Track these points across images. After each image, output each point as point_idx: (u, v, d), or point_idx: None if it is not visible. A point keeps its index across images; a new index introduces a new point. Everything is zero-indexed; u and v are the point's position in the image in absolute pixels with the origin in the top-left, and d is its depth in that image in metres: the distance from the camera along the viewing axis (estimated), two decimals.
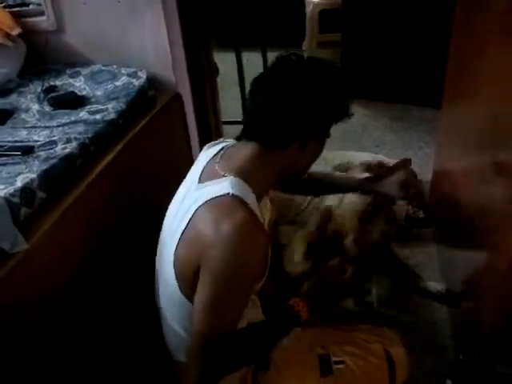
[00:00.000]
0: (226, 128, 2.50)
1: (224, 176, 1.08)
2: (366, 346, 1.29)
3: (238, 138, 1.21)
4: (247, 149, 1.12)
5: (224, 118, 2.50)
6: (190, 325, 1.09)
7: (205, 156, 1.23)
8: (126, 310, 1.55)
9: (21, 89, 1.94)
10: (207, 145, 1.30)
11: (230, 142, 1.27)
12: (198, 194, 1.09)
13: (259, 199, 1.13)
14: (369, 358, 1.27)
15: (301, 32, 3.88)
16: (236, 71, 2.79)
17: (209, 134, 2.30)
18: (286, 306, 1.16)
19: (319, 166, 2.27)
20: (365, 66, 3.42)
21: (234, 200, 1.02)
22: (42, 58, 2.07)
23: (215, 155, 1.20)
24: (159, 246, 1.24)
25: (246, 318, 1.20)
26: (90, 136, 1.57)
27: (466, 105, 1.80)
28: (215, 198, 1.04)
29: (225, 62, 3.16)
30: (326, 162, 2.30)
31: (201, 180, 1.14)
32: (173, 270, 1.10)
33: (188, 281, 1.08)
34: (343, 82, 1.12)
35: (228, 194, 1.02)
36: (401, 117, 3.31)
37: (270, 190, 1.27)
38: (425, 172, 2.42)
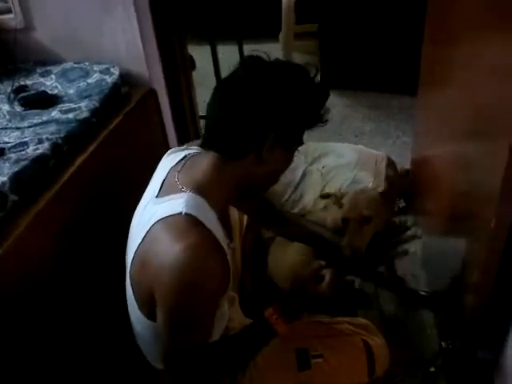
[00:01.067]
0: (203, 123, 2.47)
1: (182, 190, 1.04)
2: (344, 338, 1.30)
3: (201, 145, 1.17)
4: (207, 159, 1.07)
5: (202, 113, 2.47)
6: (156, 341, 1.07)
7: (166, 163, 1.18)
8: (105, 311, 1.53)
9: None
10: (170, 150, 1.26)
11: (195, 149, 1.23)
12: (154, 210, 1.04)
13: (221, 213, 1.09)
14: (347, 350, 1.28)
15: (277, 23, 3.85)
16: (212, 65, 2.76)
17: (185, 129, 2.28)
18: (261, 319, 1.14)
19: (300, 160, 2.28)
20: (342, 56, 3.42)
21: (188, 220, 0.98)
22: (12, 57, 2.02)
23: (177, 164, 1.15)
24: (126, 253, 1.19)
25: (224, 317, 1.20)
26: (62, 136, 1.53)
27: (440, 92, 1.80)
28: (169, 216, 0.99)
29: (202, 55, 3.12)
30: (306, 155, 2.29)
31: (160, 193, 1.09)
32: (131, 289, 1.08)
33: (144, 302, 1.05)
34: (306, 87, 1.05)
35: (181, 213, 0.98)
36: (379, 106, 3.32)
37: (232, 201, 1.22)
38: (403, 161, 2.43)
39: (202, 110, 2.45)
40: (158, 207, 1.04)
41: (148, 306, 1.05)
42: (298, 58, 3.94)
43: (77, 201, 1.50)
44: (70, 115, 1.65)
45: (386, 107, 3.29)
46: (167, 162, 1.19)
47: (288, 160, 1.14)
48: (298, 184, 2.19)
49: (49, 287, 1.34)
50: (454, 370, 1.54)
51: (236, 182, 1.09)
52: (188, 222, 0.98)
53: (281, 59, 1.09)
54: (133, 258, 1.05)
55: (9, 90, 1.84)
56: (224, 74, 2.92)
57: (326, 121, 1.10)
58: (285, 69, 1.06)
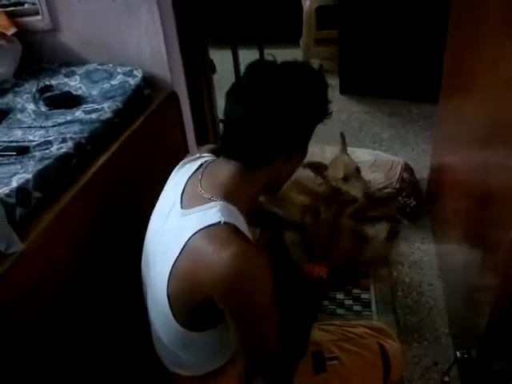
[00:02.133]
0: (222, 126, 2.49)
1: (211, 199, 1.03)
2: (360, 342, 1.29)
3: (217, 153, 1.17)
4: (230, 167, 1.06)
5: (221, 116, 2.49)
6: (184, 348, 1.11)
7: (182, 173, 1.18)
8: (125, 309, 1.55)
9: (16, 89, 1.93)
10: (182, 161, 1.24)
11: (208, 157, 1.23)
12: (186, 221, 1.03)
13: (245, 216, 1.09)
14: (363, 354, 1.27)
15: (298, 29, 3.87)
16: (233, 69, 2.79)
17: (205, 132, 2.30)
18: (303, 277, 1.15)
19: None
20: (363, 63, 3.42)
21: (228, 228, 0.98)
22: (38, 57, 2.07)
23: (194, 173, 1.14)
24: (145, 260, 1.20)
25: None
26: (85, 135, 1.56)
27: (463, 100, 1.79)
28: (208, 226, 0.98)
29: (222, 59, 3.15)
30: (324, 157, 2.29)
31: (184, 203, 1.08)
32: (166, 299, 1.06)
33: (187, 311, 1.06)
34: (320, 82, 1.07)
35: (219, 222, 0.98)
36: (398, 113, 3.31)
37: (256, 203, 1.23)
38: (422, 168, 2.42)
39: (221, 113, 2.47)
40: (191, 217, 1.03)
41: (187, 315, 1.06)
42: (317, 63, 3.94)
43: (98, 199, 1.52)
44: (94, 115, 1.68)
45: (406, 114, 3.28)
46: (183, 171, 1.18)
47: (306, 154, 1.15)
48: None
49: (70, 284, 1.36)
50: (469, 380, 1.52)
51: (263, 186, 1.10)
52: (229, 231, 0.98)
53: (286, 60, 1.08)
54: (170, 273, 1.03)
55: (34, 89, 1.88)
56: None
57: (331, 112, 1.11)
58: (296, 69, 1.06)
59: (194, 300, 1.02)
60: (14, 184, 1.28)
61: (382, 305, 1.81)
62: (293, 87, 1.02)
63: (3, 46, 1.94)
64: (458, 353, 1.55)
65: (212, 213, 1.00)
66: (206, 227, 0.98)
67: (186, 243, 0.99)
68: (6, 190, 1.25)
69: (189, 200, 1.08)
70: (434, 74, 2.68)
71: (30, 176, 1.33)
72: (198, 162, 1.18)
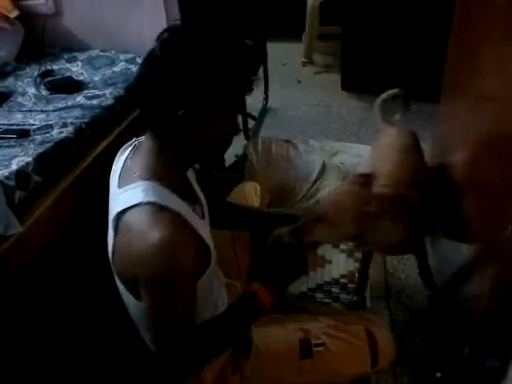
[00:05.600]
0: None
1: (138, 178, 1.05)
2: (347, 329, 1.30)
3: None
4: (149, 141, 1.08)
5: None
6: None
7: (121, 159, 1.17)
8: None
9: (18, 72, 1.94)
10: (122, 147, 1.23)
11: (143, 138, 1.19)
12: (118, 200, 1.06)
13: (180, 190, 1.09)
14: (350, 340, 1.28)
15: (301, 24, 3.86)
16: None
17: None
18: (247, 293, 1.14)
19: (316, 155, 2.28)
20: (365, 59, 3.41)
21: (152, 209, 0.99)
22: (40, 41, 2.06)
23: (129, 153, 1.15)
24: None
25: (212, 298, 1.23)
26: (86, 121, 1.56)
27: (464, 98, 1.79)
28: (132, 207, 1.00)
29: None
30: (323, 150, 2.30)
31: (120, 183, 1.10)
32: (117, 276, 1.11)
33: (130, 285, 1.07)
34: (235, 51, 1.02)
35: (141, 202, 1.00)
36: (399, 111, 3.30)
37: (184, 173, 1.20)
38: None
39: None
40: (120, 198, 1.05)
41: (134, 288, 1.06)
42: (320, 59, 3.94)
43: (97, 185, 1.52)
44: (95, 101, 1.68)
45: (406, 113, 3.27)
46: (122, 157, 1.18)
47: (232, 123, 1.09)
48: (316, 181, 2.20)
49: (67, 266, 1.36)
50: (460, 376, 1.53)
51: (186, 156, 1.09)
52: (152, 212, 0.99)
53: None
54: (113, 248, 1.07)
55: (35, 73, 1.87)
56: None
57: (252, 89, 1.07)
58: (208, 36, 1.02)
59: (128, 274, 1.04)
60: (14, 167, 1.29)
61: (377, 300, 1.82)
62: (195, 51, 0.99)
63: (5, 28, 1.93)
64: (450, 349, 1.57)
65: (136, 193, 1.02)
66: (130, 207, 1.00)
67: (116, 222, 1.03)
68: (5, 172, 1.25)
69: (123, 179, 1.10)
70: (435, 73, 2.68)
71: (30, 159, 1.33)
72: (134, 143, 1.19)
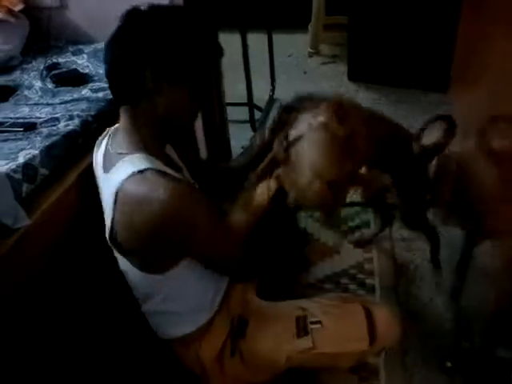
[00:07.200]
0: (230, 109, 2.49)
1: (124, 154, 1.11)
2: (343, 306, 1.32)
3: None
4: (123, 117, 1.16)
5: (228, 100, 2.48)
6: (163, 300, 1.23)
7: (100, 150, 1.24)
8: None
9: (24, 66, 1.93)
10: (97, 141, 1.30)
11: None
12: (111, 180, 1.10)
13: (164, 159, 1.17)
14: (346, 317, 1.29)
15: (307, 14, 3.83)
16: (241, 53, 2.76)
17: (212, 115, 2.28)
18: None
19: None
20: (371, 49, 3.39)
21: (152, 172, 1.05)
22: (45, 35, 2.05)
23: (108, 140, 1.22)
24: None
25: None
26: (92, 113, 1.56)
27: (473, 89, 1.78)
28: (130, 176, 1.05)
29: (229, 43, 3.12)
30: None
31: (106, 168, 1.16)
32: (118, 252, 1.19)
33: (133, 257, 1.16)
34: (184, 20, 1.12)
35: (140, 170, 1.04)
36: (406, 101, 3.27)
37: (164, 143, 1.26)
38: None
39: (227, 97, 2.46)
40: (113, 177, 1.09)
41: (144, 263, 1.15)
42: (326, 49, 3.92)
43: None
44: (100, 94, 1.68)
45: (414, 103, 3.24)
46: (99, 146, 1.26)
47: (186, 94, 1.15)
48: None
49: (74, 260, 1.36)
50: (471, 366, 1.53)
51: (152, 124, 1.14)
52: (153, 174, 1.05)
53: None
54: (112, 224, 1.10)
55: (41, 67, 1.87)
56: (252, 61, 2.89)
57: (221, 54, 1.22)
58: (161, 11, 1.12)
59: (141, 247, 1.11)
60: (21, 160, 1.28)
61: (386, 290, 1.81)
62: (146, 22, 1.09)
63: (11, 22, 1.93)
64: (461, 339, 1.56)
65: (125, 166, 1.07)
66: (128, 177, 1.04)
67: (115, 198, 1.06)
68: (12, 165, 1.25)
69: (108, 164, 1.15)
70: (443, 63, 2.67)
71: (36, 152, 1.32)
72: (108, 134, 1.26)
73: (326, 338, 1.25)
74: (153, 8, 1.11)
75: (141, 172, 1.04)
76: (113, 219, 1.09)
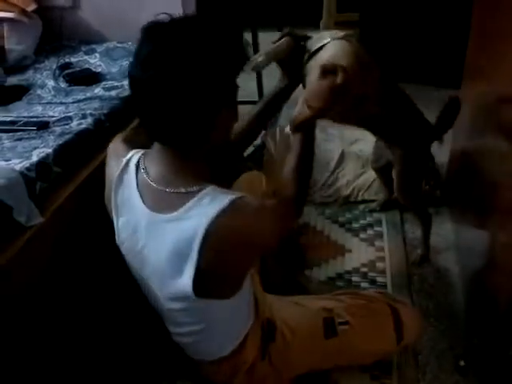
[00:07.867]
0: (240, 108, 2.48)
1: (192, 191, 1.00)
2: (371, 306, 1.31)
3: (132, 143, 1.15)
4: (163, 152, 1.03)
5: (239, 98, 2.47)
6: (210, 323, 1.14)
7: (124, 179, 1.09)
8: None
9: (37, 65, 1.96)
10: (117, 177, 1.10)
11: (133, 153, 1.13)
12: (183, 224, 0.98)
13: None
14: (374, 317, 1.29)
15: (318, 11, 3.82)
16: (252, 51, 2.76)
17: None
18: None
19: (335, 144, 2.27)
20: (383, 47, 3.36)
21: (241, 199, 1.00)
22: (58, 34, 2.08)
23: (139, 175, 1.07)
24: (143, 279, 1.16)
25: None
26: (105, 112, 1.57)
27: (486, 85, 1.76)
28: (224, 209, 0.96)
29: None
30: (342, 138, 2.28)
31: (161, 209, 1.02)
32: (191, 286, 1.01)
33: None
34: (223, 33, 1.00)
35: (232, 200, 0.98)
36: (418, 98, 3.21)
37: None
38: (441, 153, 2.38)
39: (238, 95, 2.45)
40: (188, 217, 0.98)
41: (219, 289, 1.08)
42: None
43: None
44: (113, 93, 1.69)
45: (426, 99, 3.19)
46: (127, 184, 1.09)
47: (236, 112, 1.11)
48: (335, 169, 2.20)
49: (88, 257, 1.38)
50: (484, 365, 1.51)
51: (204, 155, 1.07)
52: (242, 200, 1.01)
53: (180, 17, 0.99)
54: (197, 265, 0.99)
55: (54, 66, 1.89)
56: None
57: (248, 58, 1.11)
58: (200, 24, 0.98)
59: (233, 270, 1.06)
60: (35, 158, 1.30)
61: (398, 288, 1.80)
62: (202, 50, 0.93)
63: (24, 22, 1.95)
64: (474, 338, 1.55)
65: (211, 200, 0.98)
66: (220, 213, 0.96)
67: (203, 237, 0.96)
68: (26, 163, 1.26)
69: (163, 204, 1.02)
70: (455, 59, 2.63)
71: (50, 150, 1.34)
72: (132, 169, 1.09)
73: (355, 339, 1.26)
74: (182, 23, 0.96)
75: (231, 203, 0.97)
76: (198, 264, 0.98)
